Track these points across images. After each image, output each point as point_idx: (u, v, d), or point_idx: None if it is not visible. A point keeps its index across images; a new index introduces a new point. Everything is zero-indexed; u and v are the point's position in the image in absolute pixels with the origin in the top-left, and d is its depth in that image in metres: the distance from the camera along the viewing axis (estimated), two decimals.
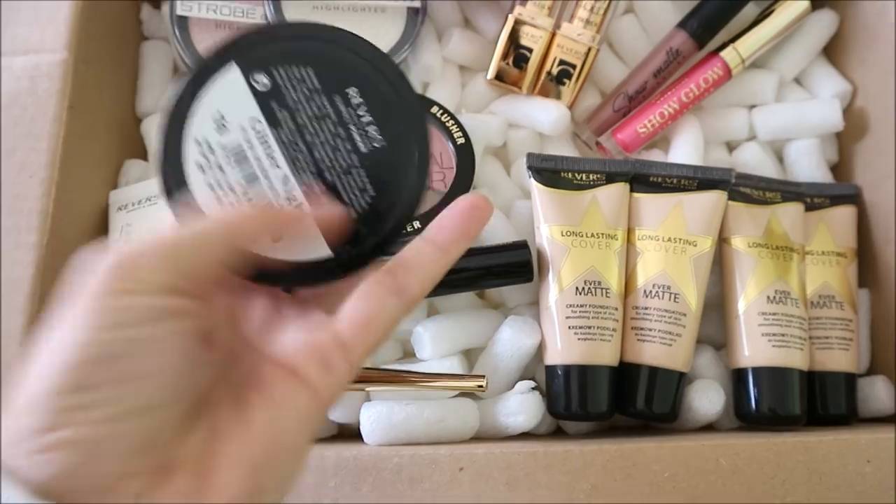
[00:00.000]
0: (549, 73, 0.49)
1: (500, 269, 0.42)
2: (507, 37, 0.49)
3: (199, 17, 0.48)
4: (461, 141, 0.45)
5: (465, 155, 0.45)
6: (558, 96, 0.49)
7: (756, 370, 0.43)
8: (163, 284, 0.23)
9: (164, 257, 0.24)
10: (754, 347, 0.43)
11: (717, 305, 0.46)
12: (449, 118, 0.46)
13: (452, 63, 0.52)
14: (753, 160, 0.49)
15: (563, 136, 0.50)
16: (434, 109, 0.46)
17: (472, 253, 0.43)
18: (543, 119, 0.49)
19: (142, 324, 0.23)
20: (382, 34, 0.49)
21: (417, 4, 0.50)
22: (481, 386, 0.40)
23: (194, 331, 0.24)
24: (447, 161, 0.45)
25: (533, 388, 0.42)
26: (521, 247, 0.43)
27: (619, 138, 0.48)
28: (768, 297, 0.43)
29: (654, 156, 0.50)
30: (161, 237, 0.24)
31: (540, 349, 0.43)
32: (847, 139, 0.51)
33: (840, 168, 0.52)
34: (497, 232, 0.46)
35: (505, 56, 0.49)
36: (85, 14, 0.46)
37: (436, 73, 0.50)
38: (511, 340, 0.42)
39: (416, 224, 0.43)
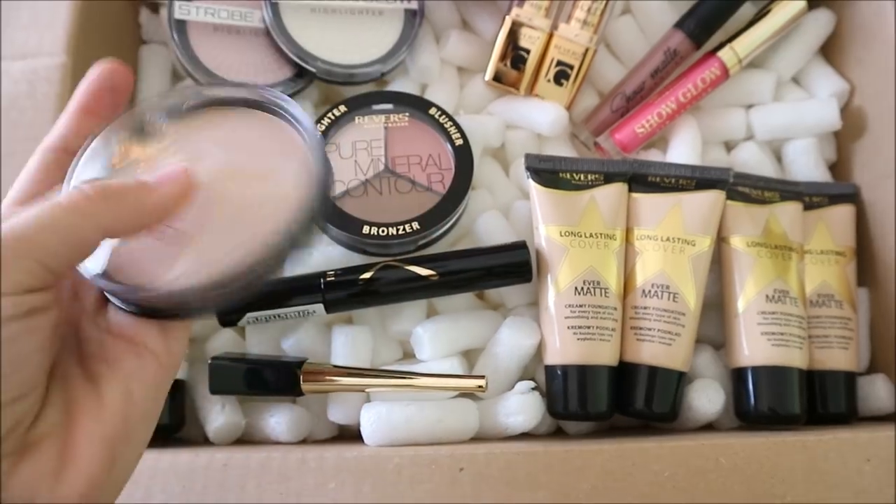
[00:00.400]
0: (546, 73, 0.49)
1: (500, 270, 0.42)
2: (504, 38, 0.49)
3: (198, 21, 0.48)
4: (459, 142, 0.45)
5: (464, 156, 0.45)
6: (556, 97, 0.49)
7: (755, 369, 0.43)
8: (28, 284, 0.23)
9: (29, 254, 0.23)
10: (753, 346, 0.43)
11: (717, 304, 0.46)
12: (447, 119, 0.46)
13: (450, 64, 0.52)
14: (752, 160, 0.50)
15: (561, 137, 0.50)
16: (432, 111, 0.46)
17: (471, 254, 0.43)
18: (541, 120, 0.49)
19: (7, 323, 0.23)
20: (381, 36, 0.50)
21: (415, 6, 0.50)
22: (481, 386, 0.40)
23: (54, 322, 0.25)
24: (445, 162, 0.45)
25: (533, 389, 0.42)
26: (520, 247, 0.43)
27: (617, 138, 0.49)
28: (767, 297, 0.43)
29: (653, 156, 0.50)
30: (26, 230, 0.24)
31: (539, 349, 0.43)
32: (845, 138, 0.51)
33: (838, 167, 0.52)
34: (496, 232, 0.46)
35: (503, 57, 0.49)
36: (83, 17, 0.46)
37: (434, 74, 0.50)
38: (510, 341, 0.42)
39: (416, 225, 0.42)
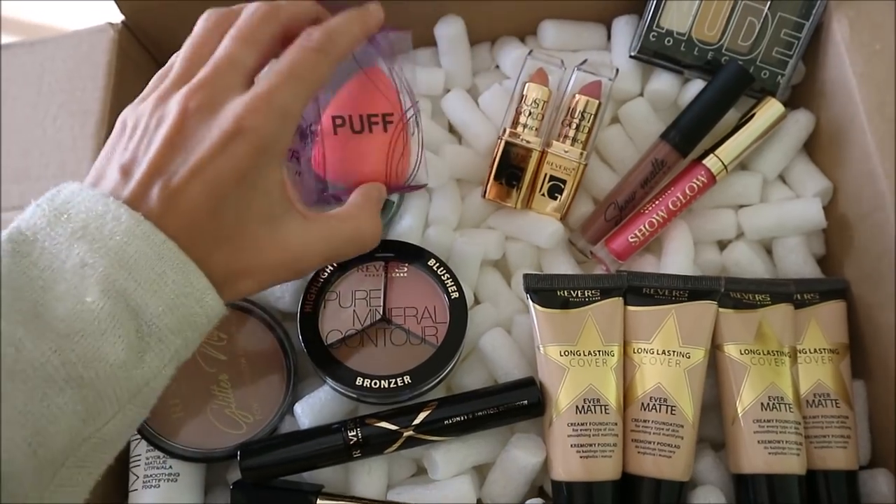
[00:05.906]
0: (541, 188, 0.52)
1: (512, 411, 0.44)
2: (499, 158, 0.51)
3: None
4: (455, 295, 0.46)
5: (459, 309, 0.46)
6: (551, 210, 0.52)
7: (755, 477, 0.44)
8: None
9: None
10: (752, 455, 0.44)
11: (716, 405, 0.48)
12: (445, 271, 0.47)
13: (451, 178, 0.54)
14: (743, 259, 0.51)
15: (558, 246, 0.52)
16: (431, 262, 0.47)
17: (481, 394, 0.45)
18: (538, 234, 0.51)
19: None
20: None
21: None
22: None
23: None
24: (441, 315, 0.46)
25: None
26: (529, 384, 0.45)
27: (611, 248, 0.51)
28: (762, 405, 0.45)
29: (647, 261, 0.52)
30: None
31: (547, 461, 0.45)
32: (832, 234, 0.53)
33: (828, 260, 0.53)
34: (500, 348, 0.48)
35: (498, 176, 0.52)
36: None
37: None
38: (518, 459, 0.44)
39: (408, 379, 0.44)
